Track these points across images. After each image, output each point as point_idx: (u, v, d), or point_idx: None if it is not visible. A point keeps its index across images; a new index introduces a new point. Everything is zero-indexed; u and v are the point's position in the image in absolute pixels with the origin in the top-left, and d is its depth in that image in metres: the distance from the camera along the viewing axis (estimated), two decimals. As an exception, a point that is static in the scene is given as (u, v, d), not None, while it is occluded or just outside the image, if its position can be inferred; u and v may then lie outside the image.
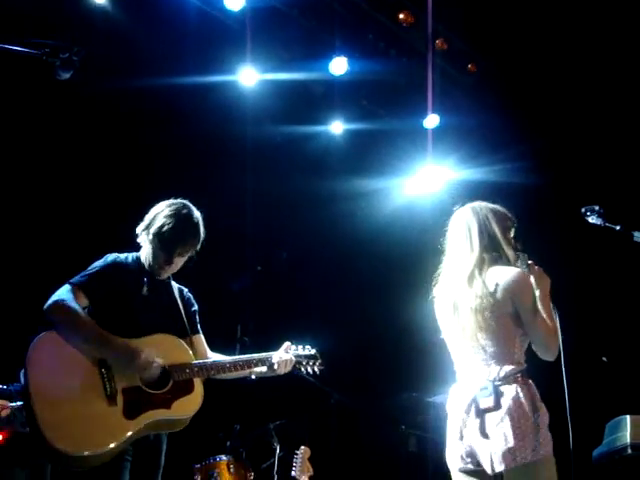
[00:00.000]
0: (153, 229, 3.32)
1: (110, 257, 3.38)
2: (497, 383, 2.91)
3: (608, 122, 6.43)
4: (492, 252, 3.04)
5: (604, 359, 6.68)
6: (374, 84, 6.93)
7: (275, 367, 3.53)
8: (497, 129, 6.76)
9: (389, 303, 7.49)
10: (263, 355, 3.55)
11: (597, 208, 3.28)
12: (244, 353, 3.69)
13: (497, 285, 2.94)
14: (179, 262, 3.41)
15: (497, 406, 2.88)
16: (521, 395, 2.88)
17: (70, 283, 3.22)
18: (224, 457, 5.11)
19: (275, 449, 5.27)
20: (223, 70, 6.35)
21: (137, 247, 3.45)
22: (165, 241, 3.30)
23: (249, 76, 6.43)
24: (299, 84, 6.72)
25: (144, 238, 3.38)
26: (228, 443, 5.39)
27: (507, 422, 2.85)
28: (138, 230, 3.40)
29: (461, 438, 3.00)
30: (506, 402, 2.87)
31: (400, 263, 7.49)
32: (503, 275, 2.95)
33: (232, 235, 6.66)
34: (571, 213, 3.38)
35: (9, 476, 4.33)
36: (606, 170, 6.72)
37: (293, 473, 4.72)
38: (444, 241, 3.23)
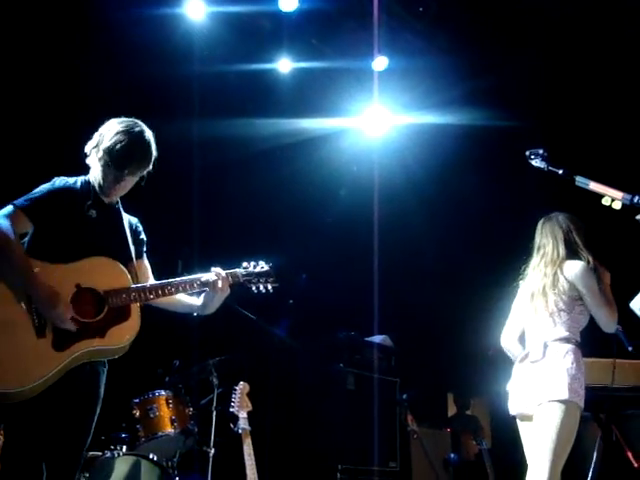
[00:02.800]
0: (103, 146, 3.15)
1: (58, 180, 3.24)
2: (548, 342, 3.76)
3: (559, 61, 6.44)
4: (573, 256, 3.92)
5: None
6: (324, 22, 6.79)
7: (219, 284, 3.31)
8: (446, 72, 6.75)
9: (332, 242, 7.53)
10: (205, 276, 3.33)
11: (541, 152, 3.30)
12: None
13: (568, 274, 3.83)
14: (130, 182, 3.26)
15: (542, 357, 3.74)
16: (565, 351, 3.70)
17: (13, 205, 3.06)
18: (163, 392, 5.11)
19: (214, 385, 5.29)
20: (169, 2, 6.15)
21: (86, 170, 3.29)
22: (115, 158, 3.13)
23: (197, 8, 6.24)
24: (247, 19, 6.54)
25: (93, 157, 3.22)
26: (167, 379, 5.38)
27: (546, 368, 3.69)
28: (87, 149, 3.25)
29: (518, 386, 3.85)
30: (550, 354, 3.73)
31: (347, 202, 7.52)
32: (572, 267, 3.85)
33: (177, 176, 6.56)
34: (519, 155, 3.40)
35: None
36: (556, 111, 6.78)
37: (232, 409, 4.74)
38: (531, 245, 4.15)
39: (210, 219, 6.94)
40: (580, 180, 3.09)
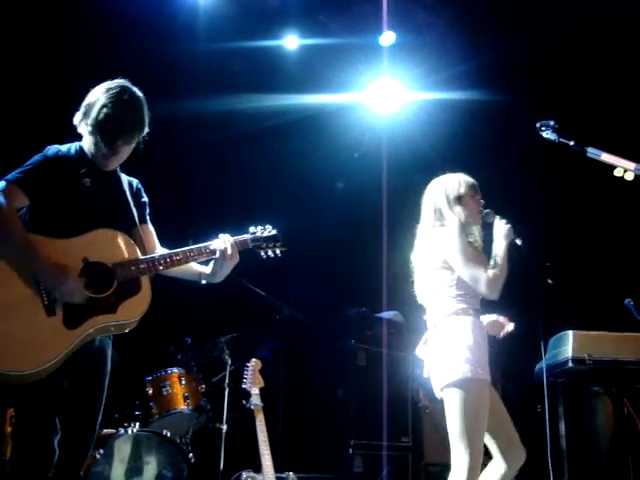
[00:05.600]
0: (92, 119, 3.01)
1: (50, 150, 3.10)
2: (438, 322, 3.54)
3: (569, 34, 6.37)
4: (441, 221, 3.67)
5: (550, 281, 6.82)
6: (331, -2, 6.75)
7: (228, 251, 3.20)
8: (454, 47, 6.69)
9: (341, 218, 7.52)
10: (214, 244, 3.23)
11: (552, 123, 3.25)
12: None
13: (434, 245, 3.61)
14: (125, 151, 3.13)
15: (436, 336, 3.52)
16: (453, 327, 3.44)
17: (6, 180, 2.93)
18: (175, 370, 5.16)
19: (226, 362, 5.32)
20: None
21: (79, 137, 3.17)
22: (106, 131, 3.00)
23: (202, -15, 6.22)
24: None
25: (83, 128, 3.09)
26: (179, 356, 5.42)
27: (436, 350, 3.49)
28: (76, 120, 3.11)
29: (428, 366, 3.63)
30: (438, 334, 3.51)
31: (355, 177, 7.50)
32: (436, 236, 3.62)
33: (180, 154, 6.56)
34: (529, 128, 3.36)
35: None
36: (565, 83, 6.71)
37: (244, 385, 4.75)
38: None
39: (219, 194, 6.94)
40: (591, 151, 3.05)
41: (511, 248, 3.64)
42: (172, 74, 6.39)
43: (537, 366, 5.24)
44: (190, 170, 6.88)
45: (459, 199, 3.67)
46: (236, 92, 6.66)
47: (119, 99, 3.03)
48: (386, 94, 7.32)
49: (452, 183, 3.75)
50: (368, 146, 7.69)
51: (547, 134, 3.27)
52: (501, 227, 3.63)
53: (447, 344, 3.44)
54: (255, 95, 6.78)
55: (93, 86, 3.17)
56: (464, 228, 3.61)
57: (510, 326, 3.89)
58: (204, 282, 3.35)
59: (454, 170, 3.84)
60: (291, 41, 7.02)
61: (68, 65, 5.79)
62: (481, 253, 3.66)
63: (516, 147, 6.68)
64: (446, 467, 6.78)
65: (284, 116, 7.02)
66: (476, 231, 3.74)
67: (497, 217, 3.69)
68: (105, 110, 3.00)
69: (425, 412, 6.55)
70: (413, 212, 3.89)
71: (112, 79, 3.18)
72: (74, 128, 3.16)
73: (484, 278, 3.43)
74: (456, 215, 3.62)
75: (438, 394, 3.50)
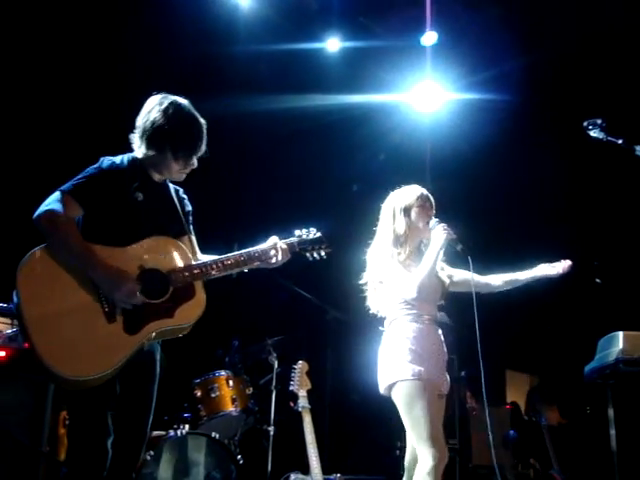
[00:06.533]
0: (160, 140, 3.12)
1: (105, 162, 3.15)
2: (385, 325, 3.80)
3: (610, 33, 6.27)
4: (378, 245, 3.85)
5: (598, 281, 6.74)
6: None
7: (280, 256, 3.30)
8: (497, 46, 6.63)
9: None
10: (263, 249, 3.30)
11: (599, 122, 3.22)
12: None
13: (373, 258, 3.83)
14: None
15: (382, 341, 3.77)
16: (391, 333, 3.70)
17: (61, 191, 3.00)
18: (223, 372, 5.21)
19: (273, 364, 5.35)
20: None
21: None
22: (182, 150, 3.14)
23: (243, -12, 6.27)
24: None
25: (143, 146, 3.16)
26: (227, 359, 5.47)
27: (380, 352, 3.75)
28: (136, 139, 3.19)
29: None
30: (383, 337, 3.77)
31: (397, 177, 7.47)
32: (369, 256, 3.87)
33: (224, 156, 6.58)
34: (573, 127, 3.32)
35: (12, 394, 4.26)
36: (609, 83, 6.60)
37: (291, 387, 4.76)
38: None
39: (263, 195, 6.97)
40: (640, 150, 3.01)
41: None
42: (217, 77, 6.46)
43: (586, 367, 5.17)
44: (234, 172, 6.92)
45: (406, 210, 3.81)
46: (279, 94, 6.69)
47: (182, 116, 3.16)
48: (428, 94, 7.29)
49: (400, 196, 3.89)
50: (410, 145, 7.66)
51: (594, 133, 3.24)
52: (436, 234, 3.68)
53: (386, 349, 3.70)
54: (298, 96, 6.81)
55: (138, 91, 3.23)
56: (398, 239, 3.76)
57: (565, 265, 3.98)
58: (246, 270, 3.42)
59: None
60: (333, 44, 7.03)
61: (117, 73, 5.92)
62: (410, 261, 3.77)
63: (559, 147, 6.60)
64: (493, 469, 6.75)
65: (327, 117, 7.04)
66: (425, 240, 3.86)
67: (440, 225, 3.72)
68: (176, 130, 3.12)
69: (472, 414, 6.51)
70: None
71: (158, 85, 3.25)
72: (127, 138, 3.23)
73: (403, 285, 3.64)
74: (395, 226, 3.79)
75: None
